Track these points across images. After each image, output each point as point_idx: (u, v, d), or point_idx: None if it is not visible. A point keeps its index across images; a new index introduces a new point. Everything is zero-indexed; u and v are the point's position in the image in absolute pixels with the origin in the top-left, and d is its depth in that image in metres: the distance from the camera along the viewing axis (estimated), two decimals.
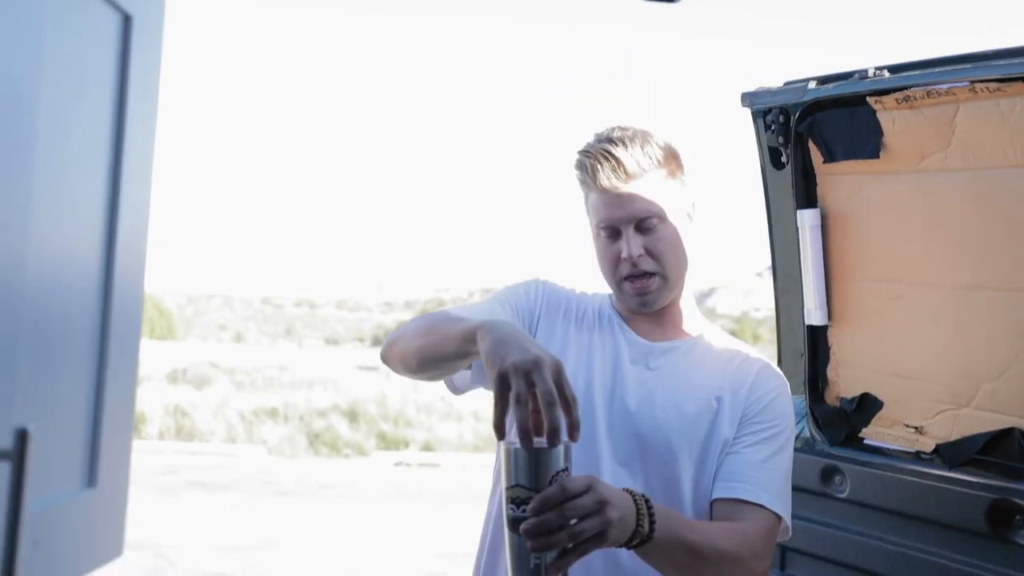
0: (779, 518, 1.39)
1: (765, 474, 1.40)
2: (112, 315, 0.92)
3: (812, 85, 2.21)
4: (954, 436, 2.07)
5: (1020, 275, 1.92)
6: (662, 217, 1.44)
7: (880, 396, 2.24)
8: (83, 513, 0.90)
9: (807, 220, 2.27)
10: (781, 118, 2.26)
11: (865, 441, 2.26)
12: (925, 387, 2.14)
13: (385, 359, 1.48)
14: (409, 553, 6.57)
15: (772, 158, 2.34)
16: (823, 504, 2.31)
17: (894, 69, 2.05)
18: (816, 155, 2.24)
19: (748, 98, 2.33)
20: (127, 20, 0.92)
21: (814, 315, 2.31)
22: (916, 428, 2.15)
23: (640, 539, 1.18)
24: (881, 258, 2.19)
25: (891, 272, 2.17)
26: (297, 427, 13.01)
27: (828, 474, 2.32)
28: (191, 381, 16.58)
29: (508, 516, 1.12)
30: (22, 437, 0.74)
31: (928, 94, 1.95)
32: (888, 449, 2.21)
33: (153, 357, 18.76)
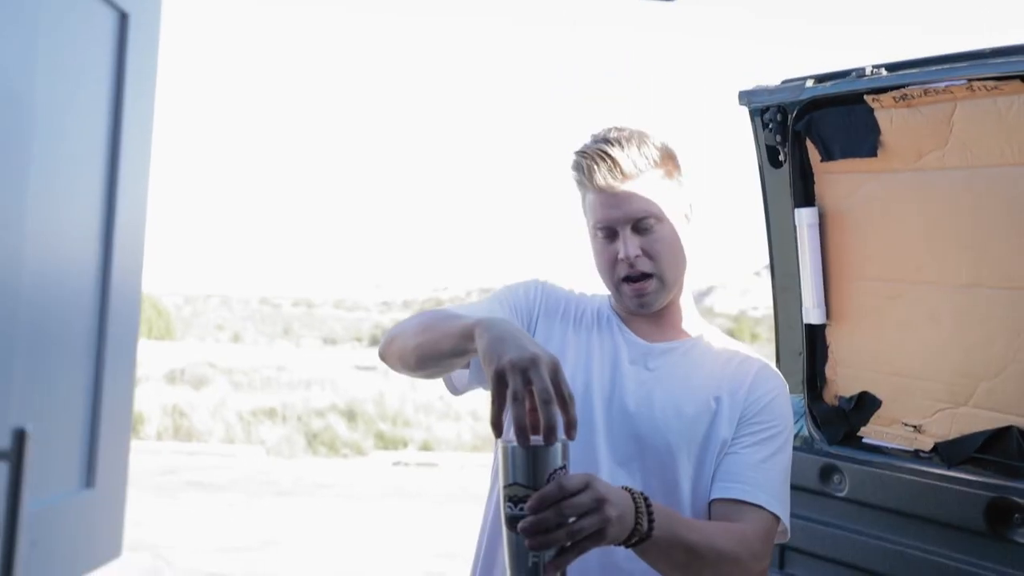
0: (777, 519, 1.39)
1: (764, 475, 1.40)
2: (109, 315, 0.92)
3: (809, 83, 2.21)
4: (952, 435, 2.07)
5: (1018, 273, 1.93)
6: (659, 217, 1.44)
7: (878, 395, 2.24)
8: (81, 513, 0.90)
9: (805, 219, 2.27)
10: (779, 117, 2.26)
11: (864, 440, 2.26)
12: (923, 386, 2.14)
13: (383, 357, 1.48)
14: (407, 553, 6.57)
15: (770, 157, 2.34)
16: (822, 503, 2.31)
17: (891, 67, 2.05)
18: (814, 153, 2.24)
19: (746, 96, 2.33)
20: (123, 18, 0.92)
21: (812, 314, 2.31)
22: (915, 427, 2.15)
23: (639, 537, 1.18)
24: (879, 256, 2.19)
25: (889, 270, 2.17)
26: (295, 427, 13.00)
27: (827, 473, 2.32)
28: (189, 381, 16.56)
29: (506, 514, 1.12)
30: (20, 437, 0.73)
31: (925, 92, 1.95)
32: (887, 448, 2.21)
33: (151, 357, 18.74)
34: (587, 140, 1.48)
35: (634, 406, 1.43)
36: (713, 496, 1.40)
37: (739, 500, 1.38)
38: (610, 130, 1.47)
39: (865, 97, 2.07)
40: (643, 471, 1.41)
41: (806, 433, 2.36)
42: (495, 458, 1.50)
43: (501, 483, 1.13)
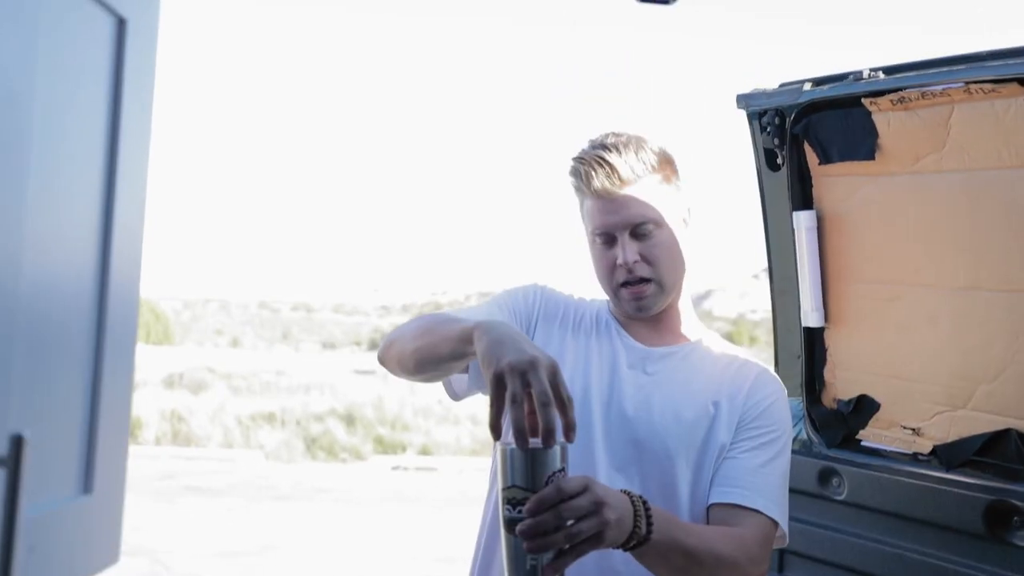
0: (775, 523, 1.39)
1: (762, 479, 1.40)
2: (108, 319, 0.92)
3: (807, 87, 2.21)
4: (951, 437, 2.07)
5: (1016, 276, 1.93)
6: (657, 222, 1.44)
7: (877, 398, 2.24)
8: (79, 519, 0.90)
9: (803, 222, 2.28)
10: (776, 120, 2.26)
11: (862, 443, 2.26)
12: (922, 388, 2.14)
13: (382, 360, 1.48)
14: (406, 557, 6.56)
15: (768, 160, 2.35)
16: (821, 506, 2.31)
17: (889, 70, 2.06)
18: (812, 156, 2.25)
19: (743, 100, 2.33)
20: (122, 24, 0.92)
21: (810, 317, 2.31)
22: (913, 430, 2.15)
23: (637, 540, 1.18)
24: (877, 259, 2.19)
25: (887, 273, 2.18)
26: (294, 431, 12.98)
27: (825, 476, 2.32)
28: (188, 386, 16.54)
29: (504, 517, 1.12)
30: (17, 443, 0.73)
31: (923, 95, 1.95)
32: (885, 451, 2.21)
33: (149, 362, 18.72)
34: (584, 146, 1.48)
35: (632, 410, 1.43)
36: (711, 500, 1.40)
37: (737, 505, 1.38)
38: (607, 135, 1.47)
39: (863, 100, 2.08)
40: (641, 475, 1.41)
41: (805, 436, 2.36)
42: (493, 461, 1.50)
43: (500, 485, 1.13)
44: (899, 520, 2.17)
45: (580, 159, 1.45)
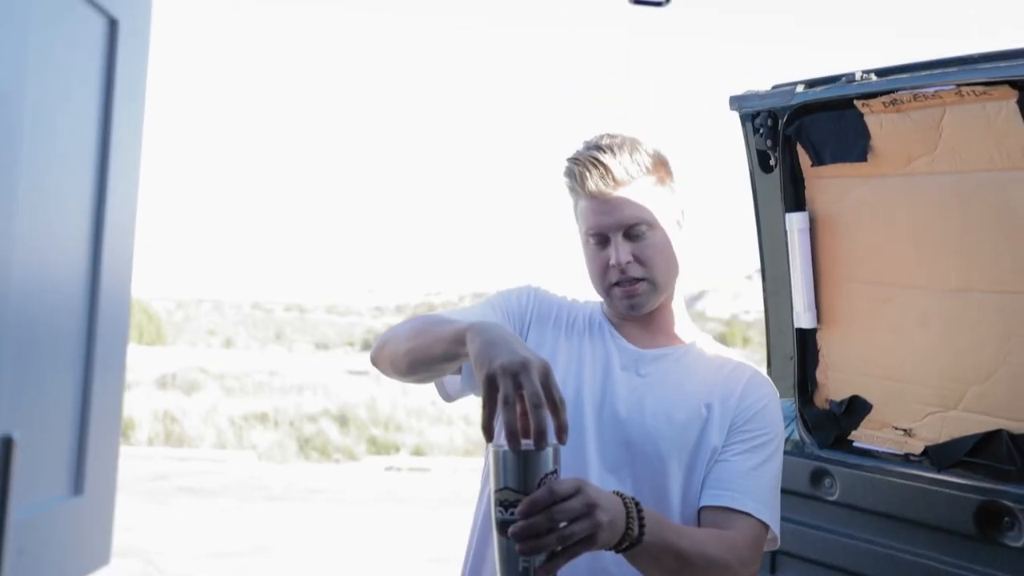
0: (767, 526, 1.40)
1: (754, 482, 1.40)
2: (99, 320, 0.92)
3: (800, 88, 2.21)
4: (943, 438, 2.08)
5: (1007, 278, 1.93)
6: (651, 224, 1.44)
7: (869, 398, 2.25)
8: (69, 521, 0.89)
9: (795, 223, 2.28)
10: (769, 121, 2.26)
11: (854, 443, 2.27)
12: (914, 389, 2.14)
13: (375, 361, 1.48)
14: (400, 558, 6.55)
15: (760, 161, 2.35)
16: (813, 507, 2.32)
17: (881, 72, 2.06)
18: (804, 158, 2.25)
19: (736, 101, 2.33)
20: (113, 24, 0.92)
21: (803, 318, 2.32)
22: (905, 430, 2.16)
23: (629, 542, 1.18)
24: (869, 261, 2.20)
25: (879, 275, 2.18)
26: (287, 432, 12.95)
27: (818, 477, 2.32)
28: (180, 386, 16.49)
29: (496, 519, 1.12)
30: (7, 444, 0.73)
31: (915, 97, 1.96)
32: (877, 451, 2.21)
33: (142, 362, 18.66)
34: (579, 146, 1.48)
35: (625, 412, 1.43)
36: (703, 503, 1.40)
37: (729, 508, 1.38)
38: (602, 137, 1.47)
39: (855, 102, 2.08)
40: (633, 477, 1.41)
41: (797, 437, 2.36)
42: (485, 462, 1.50)
43: (492, 487, 1.13)
44: (891, 520, 2.17)
45: (574, 160, 1.45)
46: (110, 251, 0.93)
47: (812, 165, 2.24)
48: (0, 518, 0.72)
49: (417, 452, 12.38)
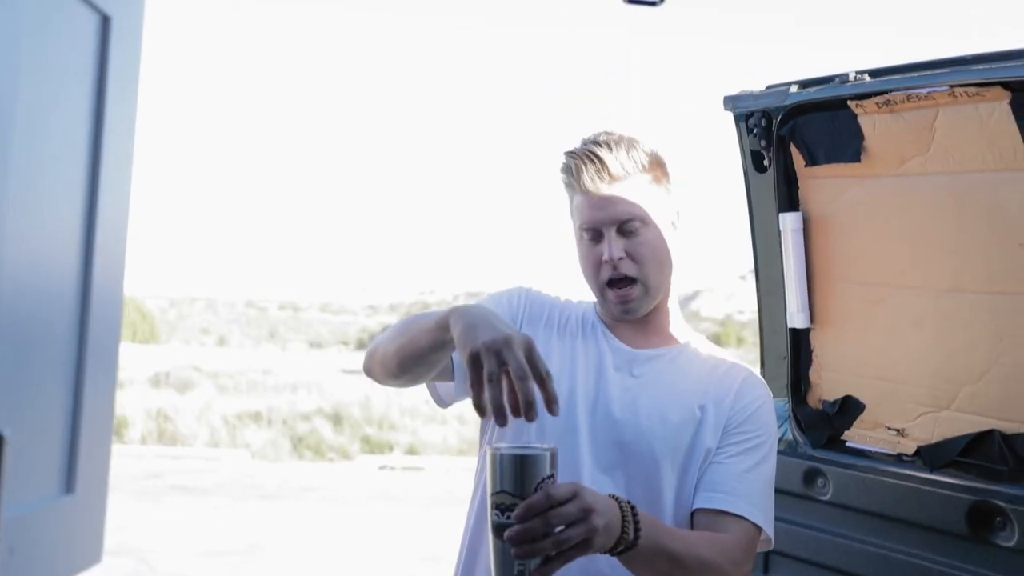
0: (760, 528, 1.40)
1: (748, 485, 1.40)
2: (91, 318, 0.92)
3: (794, 89, 2.22)
4: (935, 438, 2.08)
5: (999, 278, 1.94)
6: (645, 221, 1.44)
7: (862, 399, 2.25)
8: (61, 519, 0.89)
9: (789, 223, 2.28)
10: (763, 121, 2.27)
11: (847, 443, 2.27)
12: (906, 390, 2.15)
13: (368, 372, 1.47)
14: (393, 557, 6.55)
15: (754, 161, 2.35)
16: (806, 506, 2.32)
17: (875, 73, 2.07)
18: (798, 158, 2.26)
19: (730, 102, 2.34)
20: (105, 21, 0.91)
21: (796, 318, 2.32)
22: (898, 430, 2.16)
23: (625, 546, 1.18)
24: (863, 261, 2.20)
25: (873, 275, 2.19)
26: (281, 431, 12.94)
27: (811, 476, 2.33)
28: (174, 385, 16.46)
29: (493, 522, 1.12)
30: None
31: (908, 98, 1.96)
32: (870, 451, 2.22)
33: (135, 361, 18.62)
34: (576, 143, 1.48)
35: (619, 413, 1.43)
36: (696, 506, 1.40)
37: (723, 511, 1.38)
38: (600, 133, 1.47)
39: (849, 103, 2.08)
40: (627, 478, 1.41)
41: (790, 437, 2.37)
42: (478, 462, 1.50)
43: (488, 490, 1.13)
44: (883, 520, 2.18)
45: (571, 154, 1.45)
46: (102, 248, 0.93)
47: (806, 165, 2.24)
48: None
49: (411, 451, 12.37)
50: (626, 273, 1.44)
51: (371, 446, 12.59)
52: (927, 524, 2.08)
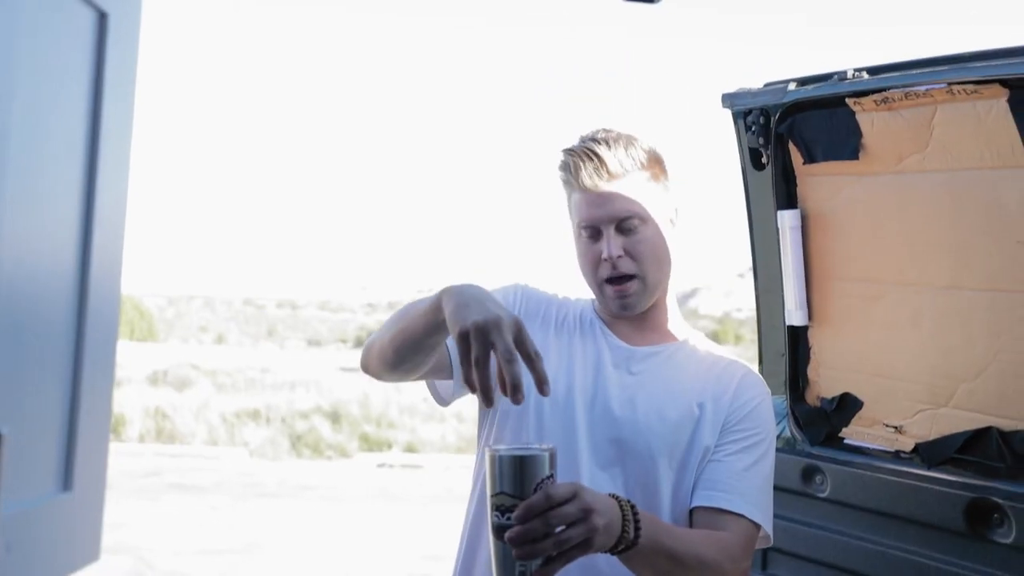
0: (759, 526, 1.40)
1: (746, 483, 1.40)
2: (88, 316, 0.91)
3: (792, 86, 2.22)
4: (933, 435, 2.08)
5: (997, 275, 1.94)
6: (643, 218, 1.44)
7: (860, 396, 2.26)
8: (58, 517, 0.89)
9: (787, 221, 2.28)
10: (761, 119, 2.27)
11: (845, 441, 2.27)
12: (904, 387, 2.15)
13: (366, 367, 1.47)
14: (392, 555, 6.55)
15: (753, 159, 2.35)
16: (804, 504, 2.32)
17: (873, 71, 2.07)
18: (796, 156, 2.26)
19: (728, 99, 2.33)
20: (103, 18, 0.91)
21: (794, 315, 2.32)
22: (896, 427, 2.17)
23: (625, 545, 1.18)
24: (861, 259, 2.20)
25: (871, 272, 2.19)
26: (279, 429, 12.94)
27: (809, 474, 2.33)
28: (172, 383, 16.46)
29: (493, 523, 1.12)
30: None
31: (906, 96, 1.96)
32: (868, 448, 2.22)
33: (134, 359, 18.62)
34: (575, 141, 1.48)
35: (617, 410, 1.43)
36: (695, 504, 1.40)
37: (721, 509, 1.38)
38: (598, 131, 1.47)
39: (847, 100, 2.08)
40: (625, 475, 1.41)
41: (788, 434, 2.37)
42: (477, 460, 1.49)
43: (488, 492, 1.13)
44: (881, 517, 2.18)
45: (570, 152, 1.45)
46: (100, 246, 0.93)
47: (804, 163, 2.24)
48: None
49: (409, 449, 12.38)
50: (625, 271, 1.44)
51: (370, 444, 12.59)
52: (925, 521, 2.09)
